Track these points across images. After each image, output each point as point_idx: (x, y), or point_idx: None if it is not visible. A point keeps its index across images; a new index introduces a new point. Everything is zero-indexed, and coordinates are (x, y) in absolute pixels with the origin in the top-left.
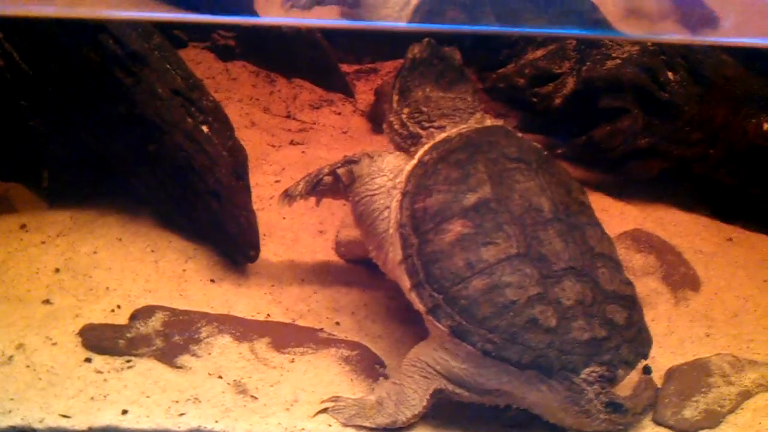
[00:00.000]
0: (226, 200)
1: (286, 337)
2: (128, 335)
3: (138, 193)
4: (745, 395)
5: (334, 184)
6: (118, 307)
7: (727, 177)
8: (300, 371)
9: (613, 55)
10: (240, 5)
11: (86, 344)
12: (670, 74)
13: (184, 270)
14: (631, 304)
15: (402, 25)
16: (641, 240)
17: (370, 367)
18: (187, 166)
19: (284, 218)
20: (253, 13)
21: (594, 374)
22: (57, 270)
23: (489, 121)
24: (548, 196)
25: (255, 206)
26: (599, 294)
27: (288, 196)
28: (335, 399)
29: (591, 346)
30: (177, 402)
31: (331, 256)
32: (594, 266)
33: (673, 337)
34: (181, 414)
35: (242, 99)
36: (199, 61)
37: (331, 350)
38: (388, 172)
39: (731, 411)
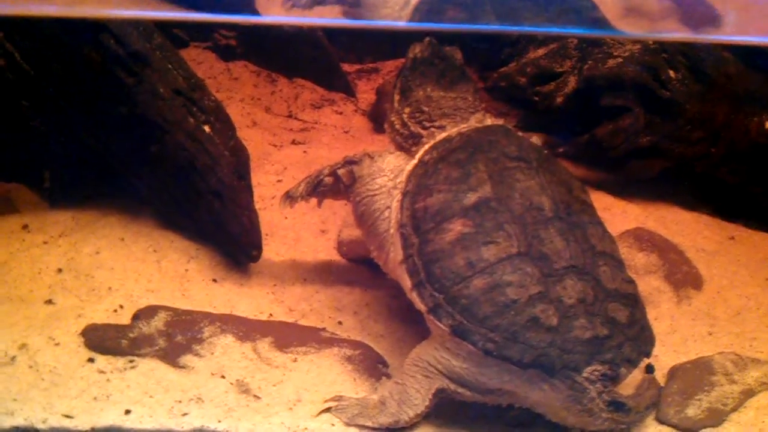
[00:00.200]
0: (228, 200)
1: (288, 336)
2: (131, 335)
3: (140, 193)
4: (748, 393)
5: (335, 184)
6: (121, 307)
7: (728, 175)
8: (303, 371)
9: (615, 53)
10: (241, 4)
11: (89, 344)
12: (671, 72)
13: (186, 270)
14: (634, 302)
15: (401, 24)
16: (643, 239)
17: (372, 366)
18: (188, 166)
19: (286, 218)
20: (255, 13)
21: (596, 373)
22: (59, 270)
23: (489, 121)
24: (549, 194)
25: (257, 206)
26: (601, 292)
27: (289, 197)
28: (338, 398)
29: (593, 345)
30: (180, 402)
31: (333, 256)
32: (595, 264)
33: (676, 336)
34: (184, 414)
35: (244, 99)
36: (200, 60)
37: (334, 350)
38: (389, 172)
39: (734, 409)
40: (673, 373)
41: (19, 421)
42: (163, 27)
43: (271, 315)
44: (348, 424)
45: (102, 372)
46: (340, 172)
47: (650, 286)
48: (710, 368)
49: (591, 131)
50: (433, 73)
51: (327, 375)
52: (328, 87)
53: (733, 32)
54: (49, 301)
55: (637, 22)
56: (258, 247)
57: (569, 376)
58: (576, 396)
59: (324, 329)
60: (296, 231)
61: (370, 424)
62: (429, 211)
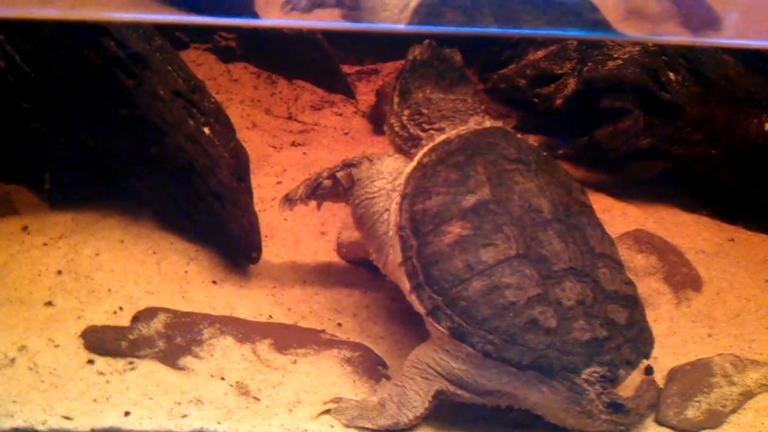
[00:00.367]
0: (228, 202)
1: (288, 338)
2: (130, 337)
3: (139, 194)
4: (748, 395)
5: (334, 187)
6: (120, 308)
7: (728, 177)
8: (302, 372)
9: (615, 55)
10: (241, 8)
11: (88, 346)
12: (671, 74)
13: (186, 272)
14: (633, 303)
15: (400, 27)
16: (643, 240)
17: (372, 368)
18: (188, 168)
19: (286, 220)
20: (254, 15)
21: (595, 374)
22: (59, 272)
23: (488, 123)
24: (548, 196)
25: (257, 207)
26: (600, 294)
27: (288, 200)
28: (337, 400)
29: (592, 347)
30: (179, 404)
31: (333, 258)
32: (595, 266)
33: (675, 338)
34: (184, 416)
35: (244, 100)
36: (200, 62)
37: (333, 351)
38: (388, 174)
39: (733, 411)
40: (673, 374)
41: (18, 422)
42: (164, 29)
43: (270, 317)
44: (347, 426)
45: (101, 374)
46: (339, 175)
47: (650, 287)
48: (709, 370)
49: (590, 133)
50: (432, 75)
51: (326, 377)
52: (327, 89)
53: (733, 35)
54: (49, 303)
55: (637, 25)
56: (258, 249)
57: (568, 378)
58: (575, 397)
59: (323, 331)
60: (296, 233)
61: (369, 426)
62: (428, 214)
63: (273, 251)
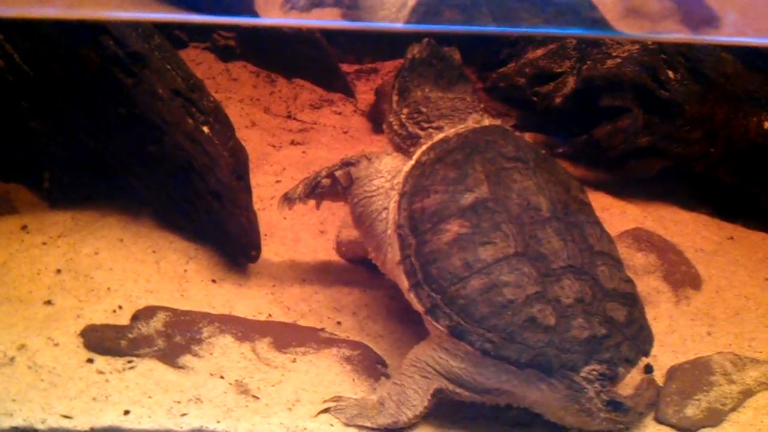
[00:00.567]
0: (227, 200)
1: (287, 337)
2: (130, 336)
3: (139, 193)
4: (747, 393)
5: (333, 186)
6: (120, 307)
7: (727, 175)
8: (302, 371)
9: (614, 53)
10: (240, 7)
11: (88, 345)
12: (670, 73)
13: (185, 270)
14: (632, 301)
15: (399, 26)
16: (642, 239)
17: (371, 366)
18: (187, 167)
19: (285, 218)
20: (253, 14)
21: (594, 372)
22: (58, 271)
23: (487, 121)
24: (546, 194)
25: (256, 206)
26: (599, 292)
27: (287, 199)
28: (337, 399)
29: (591, 344)
30: (179, 402)
31: (332, 256)
32: (593, 264)
33: (675, 336)
34: (183, 414)
35: (243, 99)
36: (199, 61)
37: (333, 350)
38: (386, 173)
39: (733, 409)
40: (672, 373)
41: (18, 421)
42: (163, 28)
43: (269, 315)
44: (347, 425)
45: (101, 372)
46: (338, 173)
47: (649, 286)
48: (709, 368)
49: (590, 131)
50: (431, 74)
51: (326, 375)
52: (327, 87)
53: (732, 33)
54: (48, 302)
55: (636, 23)
56: (257, 248)
57: (567, 376)
58: (574, 396)
59: (323, 329)
60: (295, 231)
61: (368, 424)
62: (426, 212)
63: (272, 250)
